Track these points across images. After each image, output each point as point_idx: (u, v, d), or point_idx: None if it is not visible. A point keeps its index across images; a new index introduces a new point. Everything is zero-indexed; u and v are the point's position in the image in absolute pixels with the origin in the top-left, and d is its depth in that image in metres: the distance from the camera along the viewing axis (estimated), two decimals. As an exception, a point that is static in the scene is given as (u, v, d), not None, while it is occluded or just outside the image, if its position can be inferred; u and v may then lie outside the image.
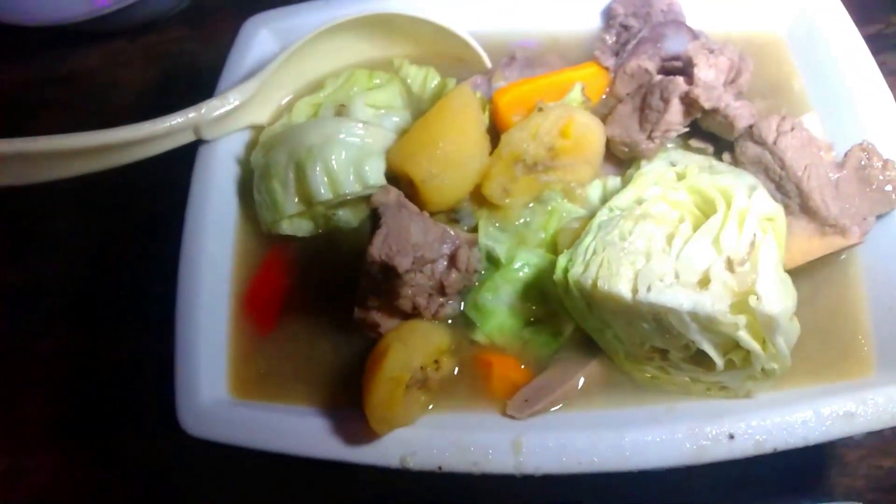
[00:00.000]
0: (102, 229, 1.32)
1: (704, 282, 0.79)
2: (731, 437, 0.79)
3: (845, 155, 0.91)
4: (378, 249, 0.82)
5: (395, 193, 0.87)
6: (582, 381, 0.89)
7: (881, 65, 1.34)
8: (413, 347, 0.83)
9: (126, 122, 1.36)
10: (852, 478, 1.01)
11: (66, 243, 1.31)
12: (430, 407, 0.87)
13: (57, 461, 1.13)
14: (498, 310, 0.92)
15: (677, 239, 0.82)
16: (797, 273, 0.90)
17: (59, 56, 1.57)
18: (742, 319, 0.77)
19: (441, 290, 0.90)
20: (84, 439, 1.14)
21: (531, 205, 0.96)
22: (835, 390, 0.82)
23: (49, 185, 1.32)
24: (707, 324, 0.78)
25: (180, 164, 1.03)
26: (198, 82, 1.15)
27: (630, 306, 0.80)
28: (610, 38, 1.09)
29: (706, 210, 0.85)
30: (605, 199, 0.95)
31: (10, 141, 0.89)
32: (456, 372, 0.91)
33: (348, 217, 0.99)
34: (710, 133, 0.98)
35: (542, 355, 0.91)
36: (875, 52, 1.36)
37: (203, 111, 0.98)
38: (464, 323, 0.93)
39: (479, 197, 0.96)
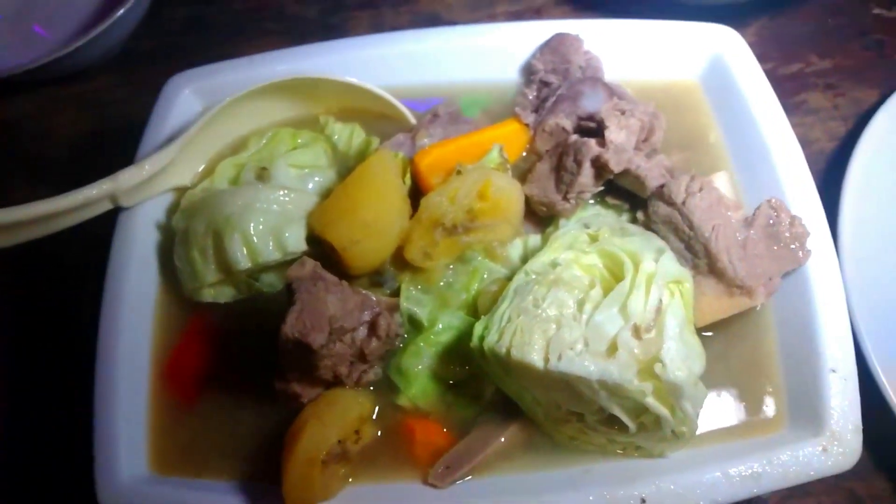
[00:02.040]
0: (17, 303, 1.29)
1: (612, 349, 0.81)
2: (643, 501, 0.81)
3: (754, 212, 0.93)
4: (291, 327, 0.83)
5: (310, 266, 0.87)
6: (503, 445, 0.90)
7: (802, 103, 1.39)
8: (330, 423, 0.84)
9: (59, 171, 1.33)
10: (775, 521, 1.04)
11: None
12: (350, 480, 0.87)
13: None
14: (420, 374, 0.93)
15: (587, 305, 0.84)
16: (711, 328, 0.92)
17: (-10, 104, 1.54)
18: (649, 386, 0.79)
19: (362, 357, 0.90)
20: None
21: (452, 266, 0.97)
22: (746, 449, 0.85)
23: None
24: (615, 391, 0.80)
25: (98, 228, 1.02)
26: (129, 129, 1.14)
27: (542, 374, 0.82)
28: (531, 94, 1.11)
29: (616, 273, 0.86)
30: (525, 258, 0.96)
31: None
32: (379, 434, 0.91)
33: (272, 280, 0.99)
34: (627, 190, 1.00)
35: (465, 417, 0.92)
36: (796, 90, 1.41)
37: (119, 180, 0.97)
38: (387, 386, 0.94)
39: (401, 259, 0.97)
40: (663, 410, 0.80)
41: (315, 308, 0.84)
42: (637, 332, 0.81)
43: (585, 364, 0.79)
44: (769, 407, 0.90)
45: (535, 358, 0.82)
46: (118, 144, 1.14)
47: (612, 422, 0.85)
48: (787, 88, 1.37)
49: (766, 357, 0.92)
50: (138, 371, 0.95)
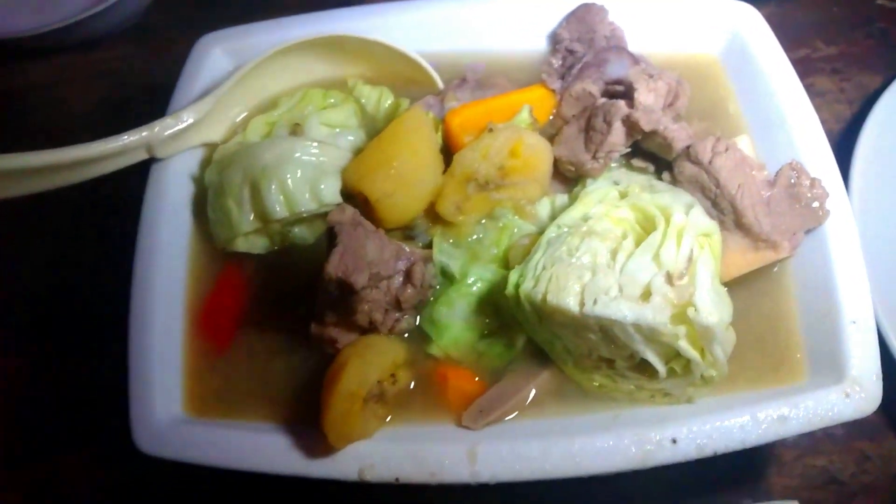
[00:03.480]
0: (51, 253, 1.29)
1: (646, 295, 0.83)
2: (675, 441, 0.83)
3: (776, 174, 0.97)
4: (335, 267, 0.84)
5: (350, 212, 0.89)
6: (534, 391, 0.92)
7: (809, 87, 1.42)
8: (370, 362, 0.85)
9: (76, 140, 1.34)
10: (789, 477, 1.07)
11: (11, 268, 1.28)
12: (388, 419, 0.89)
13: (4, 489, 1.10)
14: (453, 324, 0.95)
15: (620, 254, 0.86)
16: (733, 286, 0.95)
17: (5, 71, 1.54)
18: (682, 330, 0.82)
19: (397, 305, 0.92)
20: (33, 465, 1.12)
21: (483, 222, 0.99)
22: (770, 396, 0.87)
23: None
24: (649, 334, 0.82)
25: (131, 182, 1.03)
26: (146, 99, 1.15)
27: (578, 319, 0.84)
28: (556, 62, 1.14)
29: (647, 227, 0.89)
30: (553, 216, 0.99)
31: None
32: (412, 386, 0.93)
33: (304, 234, 1.01)
34: (651, 153, 1.03)
35: (496, 367, 0.94)
36: (803, 74, 1.43)
37: (156, 129, 0.99)
38: (419, 337, 0.96)
39: (433, 214, 0.99)
40: (694, 354, 0.83)
41: (356, 251, 0.86)
42: (670, 279, 0.84)
43: (620, 308, 0.82)
44: (791, 359, 0.92)
45: (571, 303, 0.84)
46: (133, 113, 1.15)
47: (643, 368, 0.87)
48: (795, 72, 1.41)
49: (787, 312, 0.95)
50: (172, 318, 0.96)
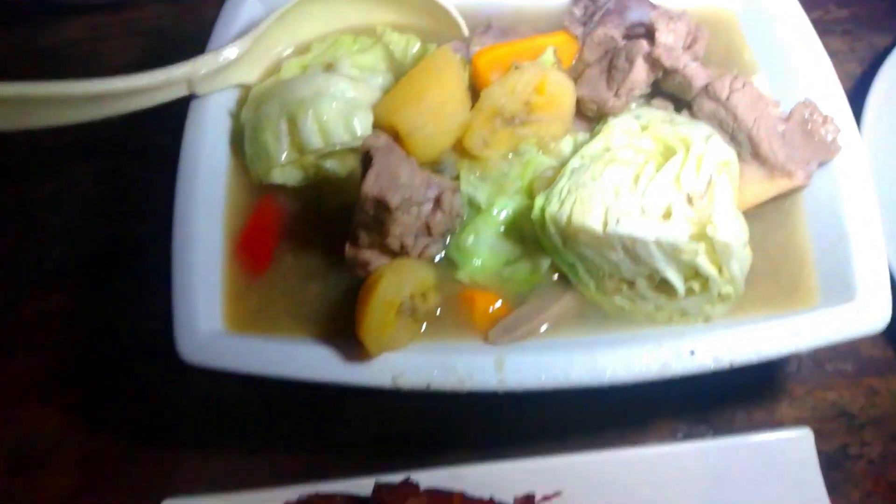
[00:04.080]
0: (89, 190, 1.34)
1: (667, 215, 0.88)
2: (692, 353, 0.87)
3: (790, 111, 1.01)
4: (370, 186, 0.89)
5: (384, 138, 0.93)
6: (557, 312, 0.96)
7: (821, 48, 1.48)
8: (404, 275, 0.90)
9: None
10: (800, 409, 1.11)
11: (50, 207, 1.33)
12: (420, 331, 0.93)
13: (50, 409, 1.15)
14: (479, 251, 0.99)
15: (642, 178, 0.91)
16: (749, 218, 0.99)
17: (38, 29, 1.59)
18: (701, 247, 0.86)
19: (427, 231, 0.97)
20: (79, 389, 1.17)
21: (509, 156, 1.04)
22: (784, 314, 0.92)
23: (33, 142, 1.35)
24: (670, 252, 0.87)
25: (165, 123, 1.08)
26: (181, 55, 1.20)
27: (601, 238, 0.88)
28: (578, 11, 1.18)
29: (668, 156, 0.93)
30: (575, 152, 1.03)
31: (7, 84, 0.93)
32: (440, 310, 0.97)
33: (336, 168, 1.05)
34: (670, 94, 1.07)
35: (521, 292, 0.98)
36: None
37: (198, 64, 1.03)
38: (447, 265, 1.00)
39: (460, 150, 1.03)
40: (712, 270, 0.87)
41: (391, 173, 0.90)
42: (690, 200, 0.88)
43: (643, 226, 0.86)
44: (804, 285, 0.97)
45: (595, 223, 0.88)
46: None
47: (662, 288, 0.92)
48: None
49: (800, 243, 0.99)
50: (212, 244, 1.00)
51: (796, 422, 1.09)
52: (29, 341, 1.21)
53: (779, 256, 0.99)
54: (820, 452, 1.00)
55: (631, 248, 0.88)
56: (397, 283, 0.88)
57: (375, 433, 1.10)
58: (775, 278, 0.97)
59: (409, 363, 0.88)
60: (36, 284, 1.25)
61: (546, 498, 1.00)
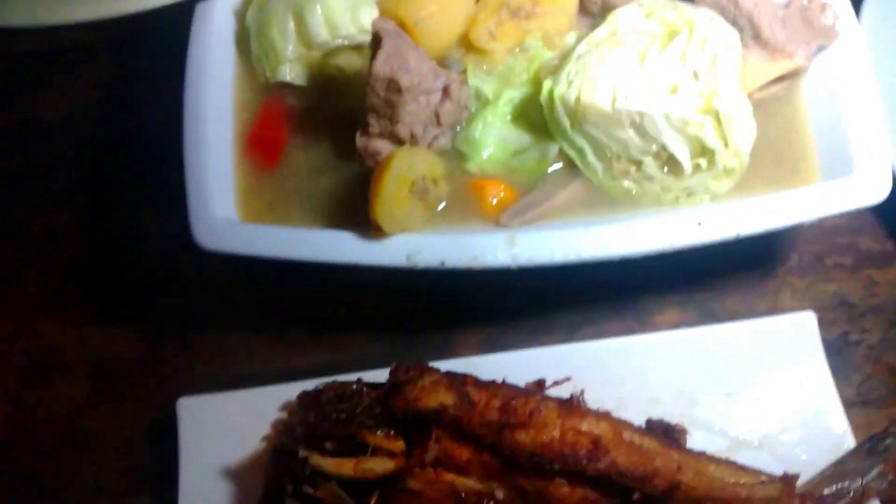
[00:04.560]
0: (93, 99, 1.33)
1: (674, 90, 0.90)
2: (700, 224, 0.89)
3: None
4: (381, 66, 0.90)
5: (392, 22, 0.94)
6: (565, 198, 0.98)
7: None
8: (416, 157, 0.91)
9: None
10: (801, 300, 1.13)
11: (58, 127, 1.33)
12: (435, 211, 0.95)
13: (64, 322, 1.16)
14: (487, 142, 1.01)
15: (649, 58, 0.92)
16: (752, 106, 1.01)
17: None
18: (708, 119, 0.88)
19: (436, 120, 0.98)
20: (91, 301, 1.18)
21: (515, 51, 1.05)
22: (787, 191, 0.94)
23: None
24: (678, 125, 0.89)
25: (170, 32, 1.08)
26: None
27: (610, 115, 0.90)
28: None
29: (672, 37, 0.95)
30: (581, 40, 1.04)
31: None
32: (450, 202, 0.98)
33: (341, 65, 1.06)
34: (673, -10, 1.08)
35: (529, 181, 1.00)
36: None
37: (203, -37, 1.03)
38: (456, 157, 1.01)
39: (466, 45, 1.05)
40: (718, 143, 0.89)
41: (401, 55, 0.91)
42: (696, 75, 0.90)
43: (650, 100, 0.88)
44: (806, 166, 0.99)
45: (604, 100, 0.90)
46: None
47: (669, 166, 0.94)
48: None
49: (801, 127, 1.01)
50: (222, 141, 1.01)
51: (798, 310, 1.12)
52: (39, 258, 1.22)
53: (781, 141, 1.01)
54: (822, 339, 1.03)
55: (639, 124, 0.90)
56: (409, 161, 0.90)
57: (389, 331, 1.12)
58: (778, 161, 0.99)
59: (422, 242, 0.90)
60: (44, 203, 1.26)
61: (557, 383, 1.02)
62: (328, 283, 1.04)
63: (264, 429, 1.00)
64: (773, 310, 1.13)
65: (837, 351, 1.10)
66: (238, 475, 0.98)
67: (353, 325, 1.13)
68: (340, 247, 0.90)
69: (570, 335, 1.08)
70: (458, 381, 0.94)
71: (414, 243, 0.90)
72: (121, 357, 1.14)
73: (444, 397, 0.90)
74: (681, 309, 1.14)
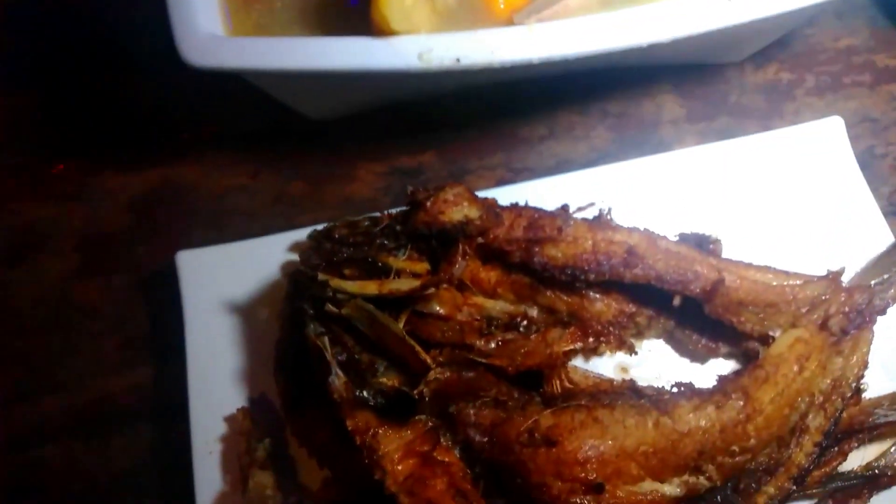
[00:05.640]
0: None
1: None
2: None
3: None
4: None
5: None
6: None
7: None
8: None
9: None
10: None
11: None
12: (442, 18, 0.88)
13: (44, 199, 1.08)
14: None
15: None
16: None
17: None
18: None
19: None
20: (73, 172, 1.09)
21: None
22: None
23: None
24: None
25: None
26: None
27: None
28: None
29: None
30: None
31: None
32: (455, 6, 0.91)
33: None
34: None
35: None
36: None
37: None
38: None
39: None
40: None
41: None
42: None
43: None
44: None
45: None
46: None
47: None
48: None
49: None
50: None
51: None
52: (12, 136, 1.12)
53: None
54: (848, 152, 0.99)
55: None
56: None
57: (396, 176, 1.05)
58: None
59: (435, 40, 0.82)
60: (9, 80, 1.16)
61: (581, 209, 0.96)
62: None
63: (273, 274, 0.93)
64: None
65: (865, 165, 1.05)
66: (248, 321, 0.91)
67: (358, 178, 1.06)
68: (346, 52, 0.82)
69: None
70: (481, 199, 0.88)
71: (425, 42, 0.82)
72: (108, 228, 1.06)
73: (468, 210, 0.84)
74: (700, 137, 1.09)
